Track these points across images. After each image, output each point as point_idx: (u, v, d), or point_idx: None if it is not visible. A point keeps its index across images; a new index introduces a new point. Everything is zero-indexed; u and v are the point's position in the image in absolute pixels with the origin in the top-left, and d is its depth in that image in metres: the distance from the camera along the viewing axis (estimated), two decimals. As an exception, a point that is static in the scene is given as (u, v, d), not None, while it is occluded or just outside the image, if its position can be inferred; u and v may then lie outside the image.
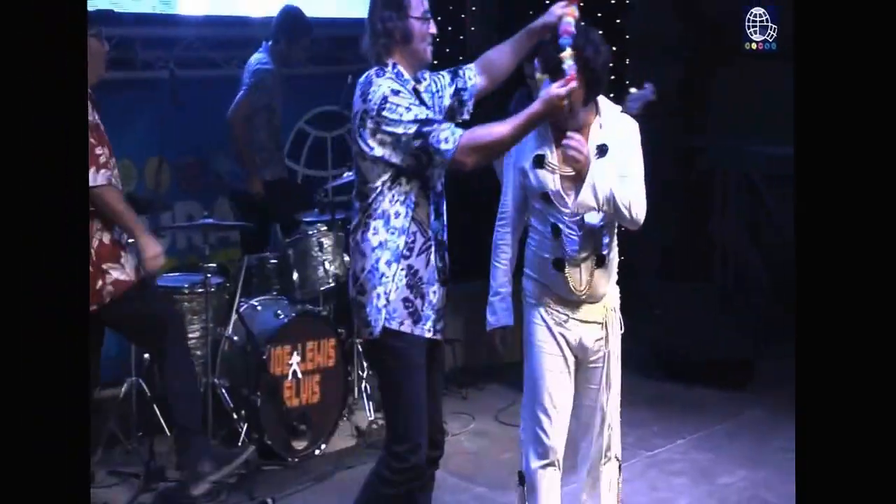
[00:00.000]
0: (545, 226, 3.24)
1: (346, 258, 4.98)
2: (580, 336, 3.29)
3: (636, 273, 6.47)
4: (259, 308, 4.80)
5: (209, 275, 4.60)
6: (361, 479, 4.25)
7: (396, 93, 3.03)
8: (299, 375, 4.67)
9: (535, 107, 3.01)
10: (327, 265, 4.90)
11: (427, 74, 3.26)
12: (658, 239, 6.14)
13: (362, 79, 3.14)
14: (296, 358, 4.67)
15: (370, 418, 4.92)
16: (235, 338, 4.70)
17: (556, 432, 3.30)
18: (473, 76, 3.32)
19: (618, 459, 3.39)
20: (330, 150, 5.93)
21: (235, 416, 4.56)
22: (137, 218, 4.00)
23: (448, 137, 2.99)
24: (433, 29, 3.16)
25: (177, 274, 5.00)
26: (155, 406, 4.54)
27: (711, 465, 4.67)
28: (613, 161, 3.21)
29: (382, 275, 3.12)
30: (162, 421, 4.51)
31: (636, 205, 3.16)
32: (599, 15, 6.51)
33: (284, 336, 4.63)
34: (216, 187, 5.60)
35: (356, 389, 5.02)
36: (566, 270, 3.22)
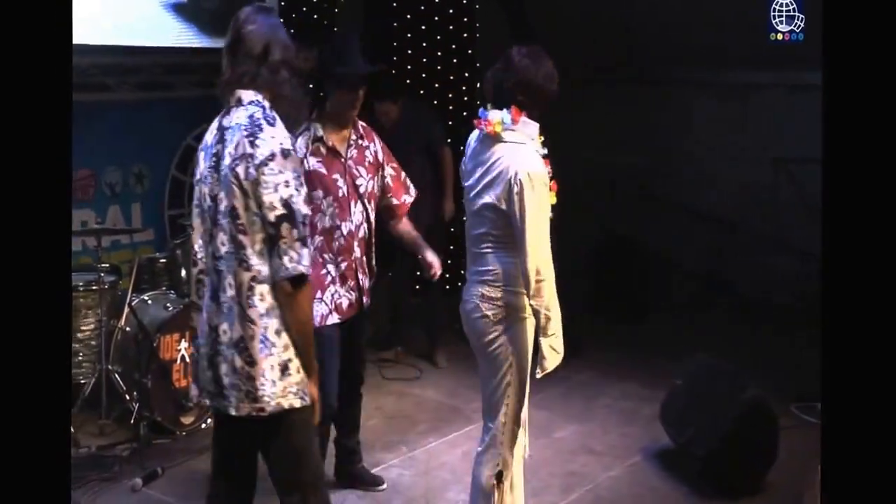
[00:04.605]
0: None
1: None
2: None
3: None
4: (149, 301, 4.82)
5: (102, 274, 4.61)
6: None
7: (287, 155, 2.52)
8: (187, 359, 4.68)
9: (314, 362, 2.65)
10: (211, 263, 4.91)
11: None
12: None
13: (245, 118, 2.57)
14: (184, 344, 4.69)
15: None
16: (128, 328, 4.72)
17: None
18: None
19: None
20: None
21: (128, 398, 4.58)
22: None
23: (307, 262, 2.53)
24: None
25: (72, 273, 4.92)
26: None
27: (548, 422, 4.80)
28: None
29: (273, 344, 2.58)
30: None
31: None
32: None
33: (173, 325, 4.66)
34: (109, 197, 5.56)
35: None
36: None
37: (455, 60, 6.67)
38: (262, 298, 2.56)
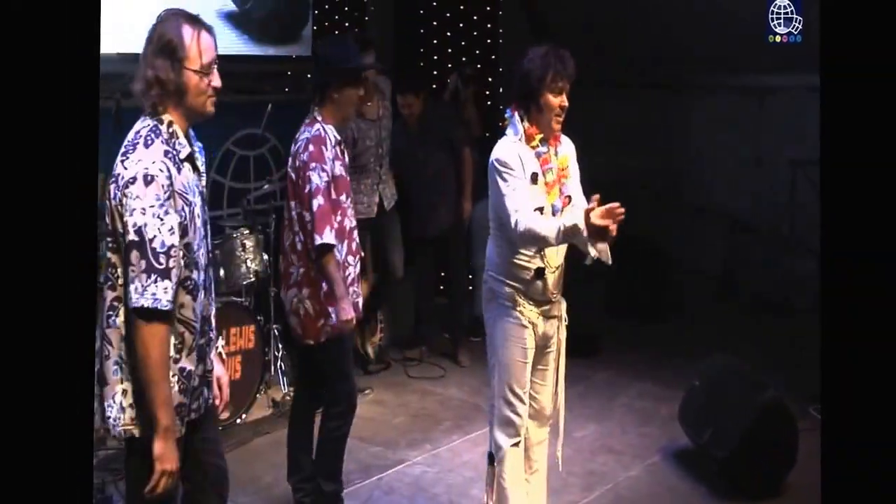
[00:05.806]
0: None
1: (266, 257, 5.09)
2: (545, 329, 3.29)
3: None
4: (187, 300, 4.85)
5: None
6: (275, 443, 4.37)
7: (150, 181, 2.32)
8: (223, 356, 4.71)
9: (161, 412, 2.35)
10: (249, 263, 4.97)
11: None
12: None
13: (133, 133, 2.43)
14: (220, 342, 4.67)
15: (284, 391, 5.07)
16: (166, 326, 4.75)
17: (525, 413, 3.32)
18: None
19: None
20: (252, 166, 5.98)
21: (166, 393, 4.62)
22: (342, 283, 3.58)
23: (160, 295, 2.30)
24: (216, 81, 2.47)
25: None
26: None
27: (567, 422, 4.77)
28: (575, 176, 3.31)
29: (133, 368, 2.40)
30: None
31: None
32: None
33: (209, 324, 4.72)
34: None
35: (272, 368, 5.17)
36: (545, 277, 3.21)
37: (479, 65, 6.79)
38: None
